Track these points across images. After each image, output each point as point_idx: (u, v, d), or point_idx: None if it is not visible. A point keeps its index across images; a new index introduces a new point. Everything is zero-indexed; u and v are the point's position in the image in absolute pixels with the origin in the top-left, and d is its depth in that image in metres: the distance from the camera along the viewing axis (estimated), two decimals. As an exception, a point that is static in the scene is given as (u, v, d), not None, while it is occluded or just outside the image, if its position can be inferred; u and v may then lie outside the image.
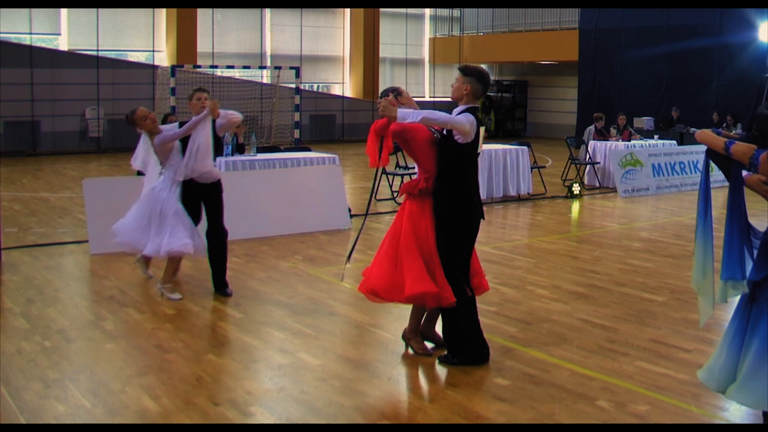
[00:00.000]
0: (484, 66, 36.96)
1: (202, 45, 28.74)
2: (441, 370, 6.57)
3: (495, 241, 12.05)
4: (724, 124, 23.01)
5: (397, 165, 16.28)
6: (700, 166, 19.71)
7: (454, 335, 6.65)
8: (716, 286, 5.09)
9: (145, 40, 28.32)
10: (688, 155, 18.97)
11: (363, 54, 32.76)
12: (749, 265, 5.01)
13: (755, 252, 5.03)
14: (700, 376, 4.94)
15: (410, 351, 6.94)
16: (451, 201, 6.55)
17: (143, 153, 9.05)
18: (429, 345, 7.00)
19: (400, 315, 7.89)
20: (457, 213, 6.55)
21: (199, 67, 25.44)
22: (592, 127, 19.26)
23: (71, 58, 25.83)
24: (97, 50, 26.66)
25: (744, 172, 4.94)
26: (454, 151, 6.49)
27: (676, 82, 25.43)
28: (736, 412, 5.81)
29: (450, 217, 6.55)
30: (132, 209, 8.77)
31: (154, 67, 26.62)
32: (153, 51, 28.46)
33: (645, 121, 23.37)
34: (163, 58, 28.19)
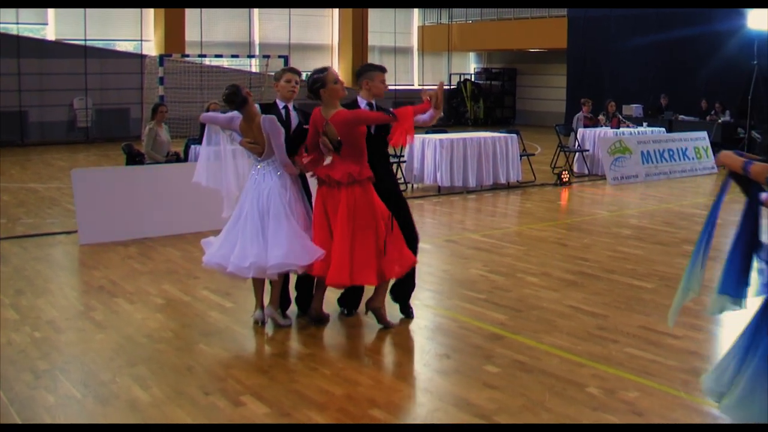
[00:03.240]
0: (472, 54, 36.92)
1: (191, 34, 28.67)
2: (431, 359, 6.58)
3: (484, 228, 12.06)
4: (713, 111, 23.08)
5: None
6: (689, 153, 19.56)
7: None
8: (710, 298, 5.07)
9: (133, 29, 28.25)
10: (677, 142, 19.00)
11: (352, 42, 32.72)
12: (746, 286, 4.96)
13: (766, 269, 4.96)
14: (704, 385, 4.90)
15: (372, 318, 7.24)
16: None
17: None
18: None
19: (390, 304, 7.89)
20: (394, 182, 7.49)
21: (188, 56, 25.39)
22: (580, 114, 19.26)
23: (59, 48, 25.74)
24: (85, 40, 26.57)
25: (763, 194, 4.91)
26: None
27: (664, 69, 25.44)
28: (724, 399, 5.82)
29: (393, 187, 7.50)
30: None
31: (142, 57, 26.56)
32: (141, 40, 28.39)
33: (634, 109, 23.38)
34: (151, 48, 28.13)
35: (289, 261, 6.88)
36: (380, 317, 7.21)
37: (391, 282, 7.32)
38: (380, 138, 7.25)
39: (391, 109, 7.09)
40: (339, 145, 6.84)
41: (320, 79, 6.97)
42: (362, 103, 7.35)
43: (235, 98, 6.97)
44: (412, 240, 7.30)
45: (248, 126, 7.04)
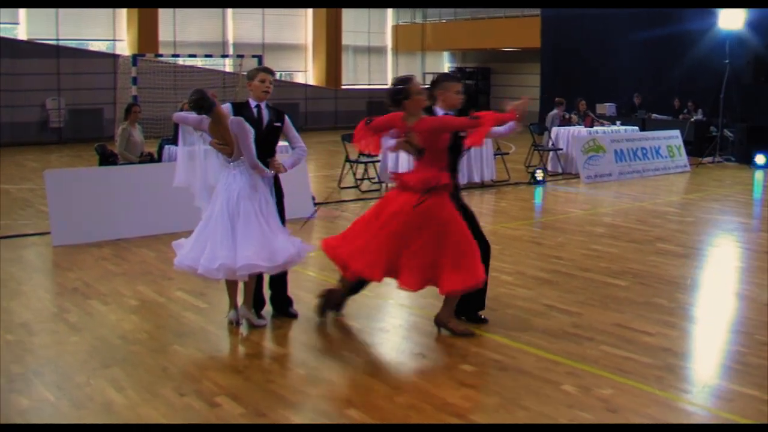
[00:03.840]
0: (446, 53, 36.94)
1: (164, 34, 28.53)
2: (407, 358, 6.59)
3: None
4: (685, 110, 23.22)
5: (361, 153, 16.26)
6: (662, 152, 19.77)
7: None
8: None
9: (106, 29, 28.09)
10: (650, 141, 19.10)
11: (326, 42, 32.68)
12: None
13: None
14: None
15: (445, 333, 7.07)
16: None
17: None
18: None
19: (365, 303, 7.90)
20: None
21: (161, 56, 25.27)
22: (555, 112, 19.30)
23: (31, 48, 25.53)
24: (57, 39, 26.40)
25: None
26: None
27: (637, 68, 25.54)
28: (698, 394, 5.87)
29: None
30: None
31: (115, 57, 26.39)
32: (114, 40, 28.24)
33: (607, 107, 23.48)
34: (125, 48, 27.96)
35: (257, 262, 6.89)
36: (452, 331, 7.06)
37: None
38: (456, 147, 7.18)
39: (475, 113, 7.03)
40: (421, 152, 6.83)
41: (405, 91, 6.89)
42: (440, 113, 7.20)
43: (203, 103, 6.96)
44: (484, 252, 7.25)
45: (217, 128, 7.03)
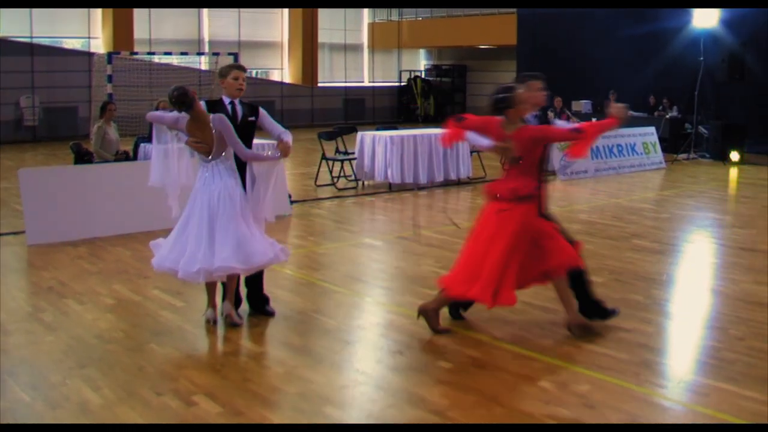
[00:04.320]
0: (423, 51, 36.96)
1: (139, 31, 28.37)
2: (384, 356, 6.58)
3: (436, 225, 12.08)
4: (660, 107, 23.33)
5: (337, 151, 16.28)
6: (638, 148, 19.91)
7: None
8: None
9: (81, 26, 27.91)
10: (626, 138, 19.20)
11: (302, 40, 32.62)
12: None
13: None
14: None
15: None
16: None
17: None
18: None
19: (342, 302, 7.91)
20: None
21: (137, 53, 25.21)
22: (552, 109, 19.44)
23: (4, 46, 25.32)
24: (31, 37, 26.20)
25: None
26: None
27: (613, 65, 25.62)
28: (674, 389, 5.91)
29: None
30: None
31: (90, 55, 26.29)
32: (89, 38, 28.05)
33: (583, 104, 23.57)
34: (100, 45, 27.81)
35: (233, 264, 6.87)
36: (581, 332, 6.98)
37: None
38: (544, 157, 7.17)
39: (576, 125, 6.97)
40: (517, 160, 6.79)
41: (508, 99, 6.76)
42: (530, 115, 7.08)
43: (185, 100, 6.91)
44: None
45: (196, 126, 6.99)
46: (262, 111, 7.41)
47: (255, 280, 7.53)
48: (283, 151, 7.23)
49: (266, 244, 7.14)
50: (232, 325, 7.16)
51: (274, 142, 7.42)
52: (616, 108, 6.85)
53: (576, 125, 7.00)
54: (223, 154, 7.02)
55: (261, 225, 7.27)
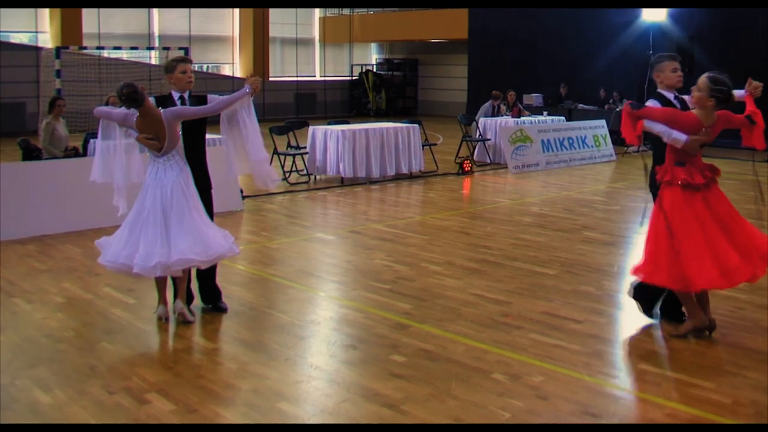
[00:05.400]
0: (374, 44, 36.92)
1: (88, 26, 28.05)
2: (337, 350, 6.58)
3: (388, 219, 12.10)
4: (611, 100, 23.54)
5: (289, 145, 16.24)
6: (588, 141, 20.02)
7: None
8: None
9: (28, 21, 27.55)
10: (577, 131, 19.35)
11: (253, 34, 32.48)
12: None
13: None
14: None
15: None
16: None
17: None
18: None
19: (295, 297, 7.89)
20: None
21: (85, 48, 24.92)
22: (488, 104, 19.48)
23: (-51, 41, 25.00)
24: (-23, 32, 25.86)
25: None
26: None
27: (564, 59, 25.81)
28: (626, 379, 5.98)
29: None
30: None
31: (38, 49, 25.93)
32: (36, 32, 27.70)
33: (534, 98, 23.72)
34: (47, 40, 27.46)
35: (192, 256, 6.83)
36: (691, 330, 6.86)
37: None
38: None
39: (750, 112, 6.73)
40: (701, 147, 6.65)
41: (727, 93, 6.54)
42: (670, 95, 6.88)
43: (135, 97, 6.83)
44: None
45: (145, 122, 6.93)
46: (210, 96, 7.36)
47: (208, 273, 7.48)
48: (253, 83, 7.22)
49: (220, 235, 7.11)
50: (184, 322, 7.13)
51: (216, 136, 7.40)
52: (752, 87, 6.71)
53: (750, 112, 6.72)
54: (174, 149, 6.97)
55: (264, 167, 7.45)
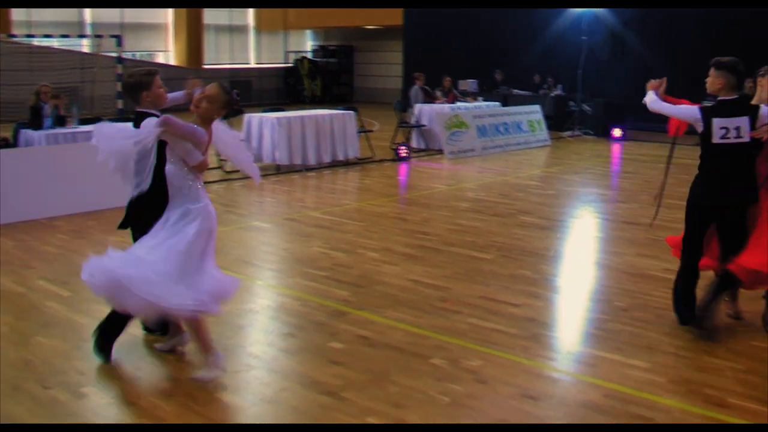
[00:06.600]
0: (309, 31, 36.67)
1: (17, 13, 27.50)
2: (275, 338, 6.56)
3: (324, 206, 12.08)
4: (545, 86, 23.74)
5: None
6: (524, 126, 20.17)
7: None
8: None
9: (-48, 9, 26.97)
10: (512, 116, 19.48)
11: (187, 21, 32.14)
12: None
13: None
14: None
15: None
16: (692, 184, 6.60)
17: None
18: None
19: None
20: (690, 195, 6.57)
21: (15, 36, 24.42)
22: (416, 87, 19.46)
23: None
24: None
25: None
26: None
27: (498, 45, 25.93)
28: (563, 361, 6.04)
29: (688, 198, 6.60)
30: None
31: (-36, 38, 25.40)
32: (-38, 21, 27.13)
33: (470, 84, 23.81)
34: (-26, 29, 26.91)
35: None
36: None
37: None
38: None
39: None
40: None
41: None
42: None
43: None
44: None
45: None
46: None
47: None
48: (193, 85, 6.66)
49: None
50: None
51: None
52: None
53: None
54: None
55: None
